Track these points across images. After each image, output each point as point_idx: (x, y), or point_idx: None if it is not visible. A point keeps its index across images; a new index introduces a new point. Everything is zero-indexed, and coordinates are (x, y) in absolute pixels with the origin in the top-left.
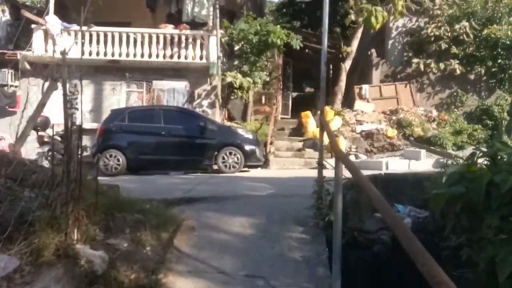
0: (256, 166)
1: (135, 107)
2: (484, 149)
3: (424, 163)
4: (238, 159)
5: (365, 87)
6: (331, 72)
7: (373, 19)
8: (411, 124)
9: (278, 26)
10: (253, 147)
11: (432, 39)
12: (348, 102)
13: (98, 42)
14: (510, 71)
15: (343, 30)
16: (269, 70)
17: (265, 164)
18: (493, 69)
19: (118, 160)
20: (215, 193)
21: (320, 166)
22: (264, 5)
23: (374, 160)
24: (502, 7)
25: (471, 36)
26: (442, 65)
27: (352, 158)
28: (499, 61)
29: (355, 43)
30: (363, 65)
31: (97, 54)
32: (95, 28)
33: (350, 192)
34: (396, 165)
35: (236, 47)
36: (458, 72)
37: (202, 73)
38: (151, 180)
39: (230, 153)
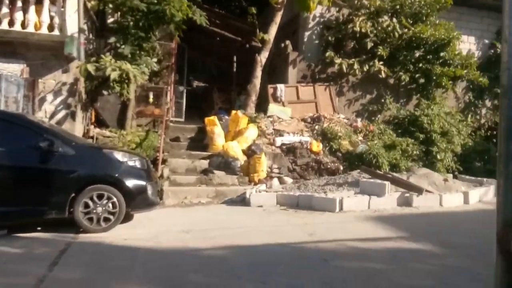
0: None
1: None
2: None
3: (389, 200)
4: (113, 206)
5: (281, 87)
6: (236, 65)
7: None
8: (337, 136)
9: None
10: (141, 182)
11: (358, 35)
12: (261, 106)
13: None
14: (434, 77)
15: (261, 12)
16: (158, 57)
17: (159, 198)
18: (416, 74)
19: None
20: None
21: None
22: None
23: (323, 197)
24: (427, 4)
25: (396, 35)
26: (366, 66)
27: (275, 183)
28: (420, 64)
29: (273, 30)
30: (277, 59)
31: None
32: None
33: None
34: (352, 203)
35: (111, 18)
36: (383, 75)
37: (52, 53)
38: None
39: (100, 197)
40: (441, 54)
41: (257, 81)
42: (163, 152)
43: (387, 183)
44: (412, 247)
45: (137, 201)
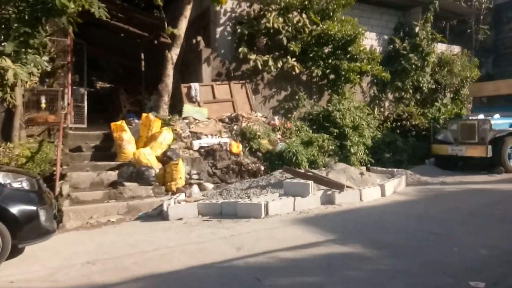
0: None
1: None
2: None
3: (313, 199)
4: None
5: (195, 86)
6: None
7: None
8: (256, 135)
9: None
10: (30, 207)
11: (271, 31)
12: (175, 107)
13: None
14: (343, 73)
15: (168, 5)
16: (50, 55)
17: (58, 221)
18: (327, 70)
19: None
20: None
21: None
22: None
23: (248, 203)
24: (334, 0)
25: (307, 31)
26: (280, 63)
27: (195, 191)
28: (330, 60)
29: (183, 24)
30: (189, 56)
31: None
32: None
33: None
34: (277, 206)
35: None
36: (296, 71)
37: None
38: None
39: None
40: (349, 49)
41: (169, 80)
42: (62, 165)
43: (310, 182)
44: (344, 251)
45: (26, 231)
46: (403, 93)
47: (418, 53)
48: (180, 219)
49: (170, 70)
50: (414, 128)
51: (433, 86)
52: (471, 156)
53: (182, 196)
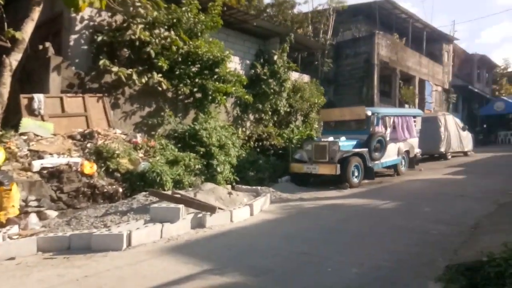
0: None
1: None
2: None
3: (183, 224)
4: None
5: (39, 97)
6: None
7: None
8: (114, 154)
9: None
10: None
11: (136, 43)
12: (11, 120)
13: None
14: (210, 92)
15: (9, 4)
16: None
17: None
18: (194, 89)
19: None
20: None
21: None
22: None
23: (106, 234)
24: (201, 22)
25: (174, 48)
26: (145, 78)
27: (33, 221)
28: (197, 79)
29: (29, 28)
30: (34, 64)
31: None
32: None
33: None
34: (142, 235)
35: None
36: (163, 87)
37: None
38: None
39: None
40: (216, 70)
41: (5, 89)
42: None
43: (181, 206)
44: (223, 282)
45: None
46: (263, 114)
47: (276, 79)
48: (12, 258)
49: (6, 78)
50: (272, 147)
51: (288, 110)
52: (323, 173)
53: (15, 229)
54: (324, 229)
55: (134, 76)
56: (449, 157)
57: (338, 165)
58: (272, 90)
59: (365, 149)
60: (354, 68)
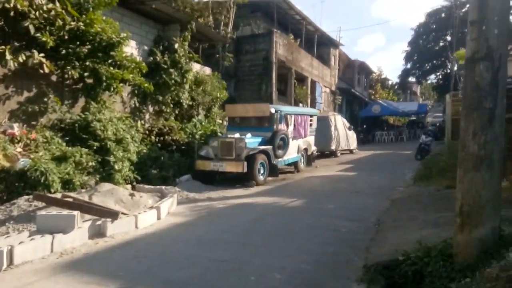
0: None
1: None
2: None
3: (78, 235)
4: None
5: None
6: None
7: None
8: None
9: None
10: None
11: (12, 14)
12: None
13: None
14: (104, 78)
15: None
16: None
17: None
18: (84, 73)
19: None
20: None
21: None
22: None
23: None
24: None
25: (60, 22)
26: (22, 57)
27: None
28: (88, 62)
29: None
30: None
31: None
32: None
33: None
34: (28, 250)
35: None
36: (46, 70)
37: None
38: None
39: None
40: (111, 53)
41: None
42: None
43: (76, 213)
44: None
45: None
46: (163, 106)
47: (178, 69)
48: None
49: None
50: (175, 142)
51: (190, 103)
52: (231, 171)
53: None
54: (239, 230)
55: (8, 55)
56: (339, 154)
57: (245, 163)
58: (173, 81)
59: (270, 147)
60: (253, 65)
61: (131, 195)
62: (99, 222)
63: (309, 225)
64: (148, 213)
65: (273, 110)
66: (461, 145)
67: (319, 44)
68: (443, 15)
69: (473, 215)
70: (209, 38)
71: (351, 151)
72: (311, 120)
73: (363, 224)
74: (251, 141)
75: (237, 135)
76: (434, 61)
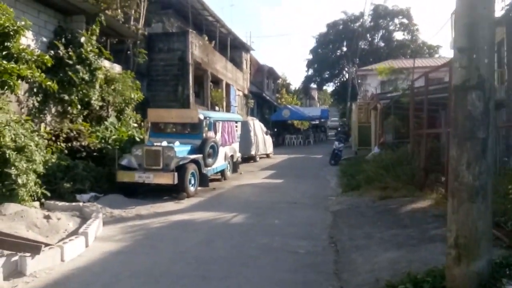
0: None
1: None
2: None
3: None
4: None
5: None
6: None
7: None
8: None
9: None
10: None
11: None
12: None
13: None
14: None
15: None
16: None
17: None
18: None
19: None
20: None
21: None
22: None
23: None
24: None
25: None
26: None
27: None
28: None
29: None
30: None
31: None
32: None
33: None
34: None
35: None
36: None
37: None
38: None
39: None
40: (6, 45)
41: None
42: None
43: None
44: None
45: None
46: (69, 107)
47: (86, 66)
48: None
49: None
50: (84, 149)
51: (100, 103)
52: (159, 183)
53: None
54: (191, 258)
55: None
56: (258, 159)
57: (176, 174)
58: (81, 79)
59: (200, 155)
60: (168, 65)
61: (47, 217)
62: (15, 258)
63: (264, 246)
64: (75, 242)
65: (201, 117)
66: (453, 175)
67: (231, 47)
68: (340, 27)
69: (470, 248)
70: (118, 33)
71: (267, 155)
72: (236, 126)
73: (318, 243)
74: (180, 149)
75: (164, 143)
76: (332, 70)
